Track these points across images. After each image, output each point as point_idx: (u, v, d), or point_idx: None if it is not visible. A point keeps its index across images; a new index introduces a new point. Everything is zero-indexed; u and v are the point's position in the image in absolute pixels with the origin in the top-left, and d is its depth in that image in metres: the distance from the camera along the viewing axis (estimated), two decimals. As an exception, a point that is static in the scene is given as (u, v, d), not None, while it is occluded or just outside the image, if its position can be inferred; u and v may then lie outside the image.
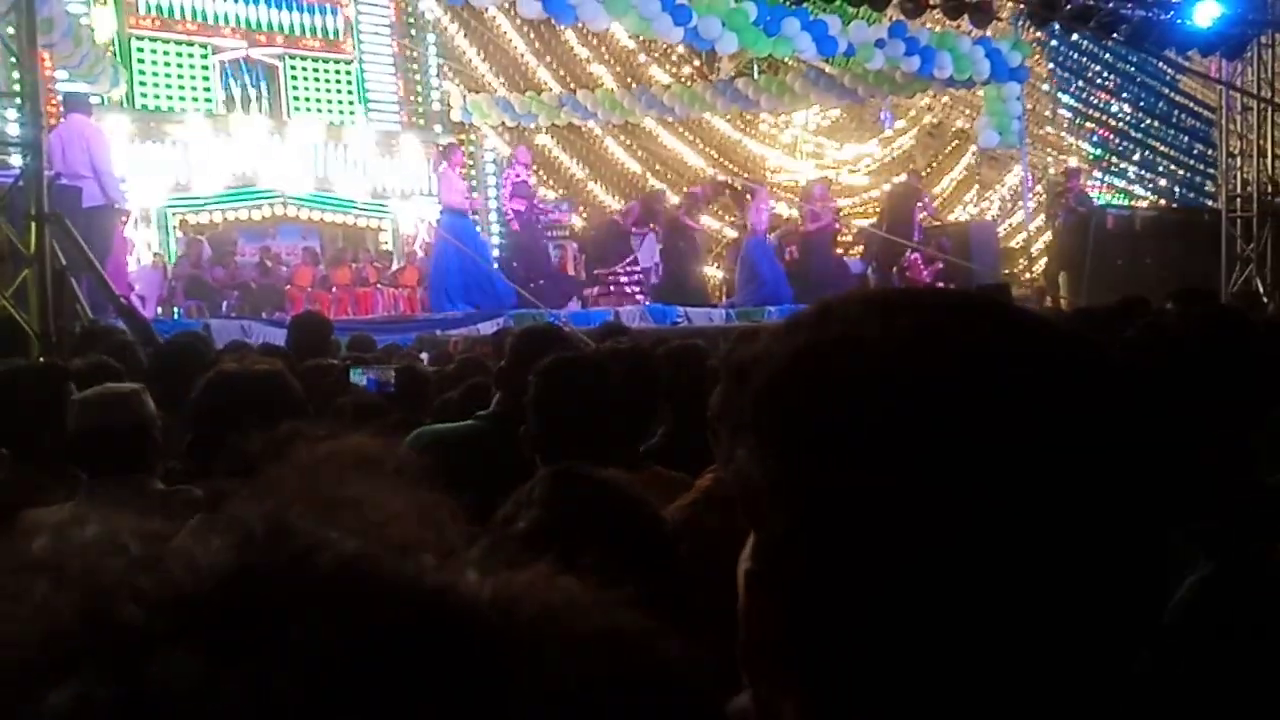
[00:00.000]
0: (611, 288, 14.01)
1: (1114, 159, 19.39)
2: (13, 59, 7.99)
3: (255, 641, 0.36)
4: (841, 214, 16.55)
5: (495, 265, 13.16)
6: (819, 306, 0.63)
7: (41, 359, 6.34)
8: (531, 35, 16.05)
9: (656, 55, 16.94)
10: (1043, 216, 16.46)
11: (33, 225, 7.50)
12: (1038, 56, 17.01)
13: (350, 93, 14.38)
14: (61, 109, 10.23)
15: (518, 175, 13.82)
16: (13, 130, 8.39)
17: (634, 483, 1.53)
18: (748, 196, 15.12)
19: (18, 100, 7.90)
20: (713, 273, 15.65)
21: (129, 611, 0.36)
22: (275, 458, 0.48)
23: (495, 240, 14.49)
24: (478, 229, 13.43)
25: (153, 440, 2.89)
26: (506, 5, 12.42)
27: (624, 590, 0.43)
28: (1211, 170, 18.12)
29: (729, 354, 0.65)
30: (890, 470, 0.55)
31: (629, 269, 14.02)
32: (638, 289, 13.99)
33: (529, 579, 0.42)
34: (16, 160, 7.93)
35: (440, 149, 13.81)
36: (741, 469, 0.61)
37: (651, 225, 14.49)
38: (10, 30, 7.86)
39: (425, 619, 0.38)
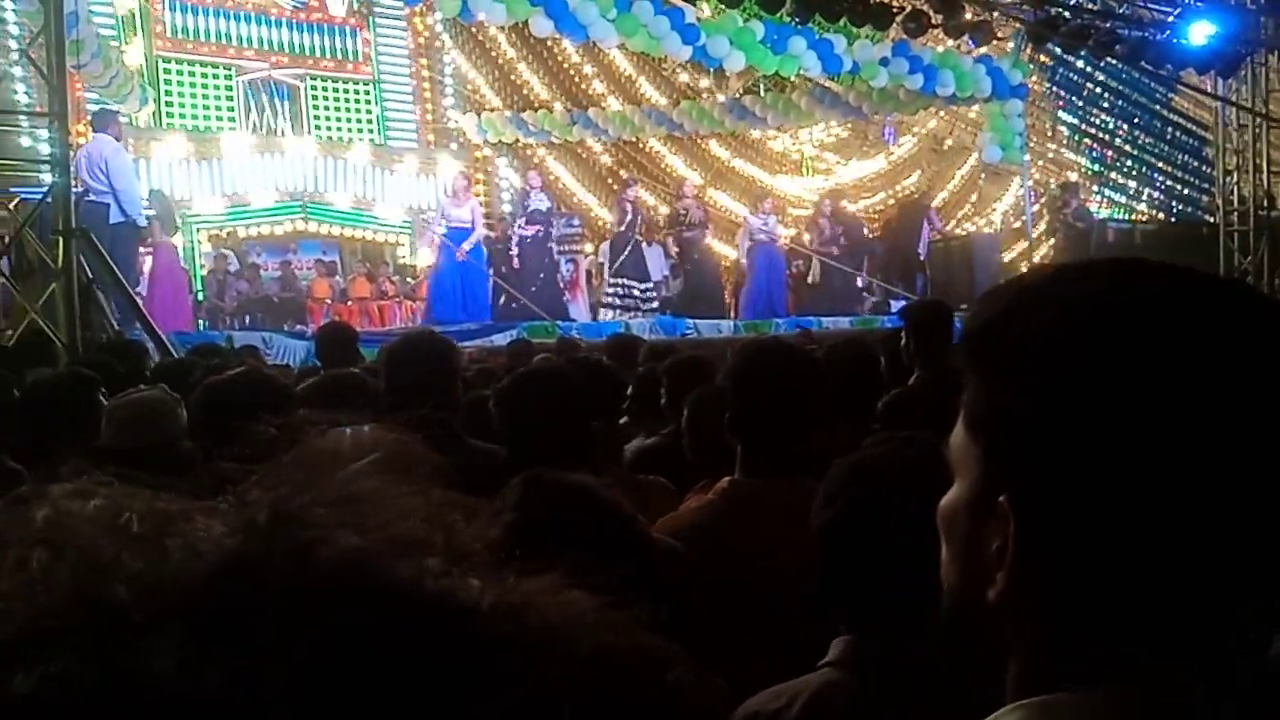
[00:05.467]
0: (619, 299, 14.15)
1: (1112, 174, 19.68)
2: (44, 80, 8.18)
3: (242, 633, 0.35)
4: (842, 230, 16.78)
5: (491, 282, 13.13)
6: (1058, 274, 0.72)
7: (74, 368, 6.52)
8: (530, 56, 16.33)
9: (654, 79, 17.26)
10: (1044, 229, 16.71)
11: (59, 240, 7.74)
12: (1035, 75, 17.27)
13: (369, 112, 14.80)
14: (91, 128, 10.50)
15: (529, 202, 13.78)
16: (44, 149, 8.55)
17: (606, 485, 1.60)
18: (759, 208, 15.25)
19: (48, 120, 8.07)
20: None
21: (117, 592, 0.35)
22: (290, 445, 0.47)
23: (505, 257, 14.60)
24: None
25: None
26: (512, 25, 12.69)
27: (635, 609, 0.42)
28: (1205, 185, 18.42)
29: (974, 316, 0.73)
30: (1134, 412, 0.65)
31: (639, 283, 14.16)
32: (653, 302, 14.16)
33: (534, 590, 0.41)
34: (48, 178, 8.11)
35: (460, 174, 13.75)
36: (994, 404, 0.70)
37: (655, 236, 14.59)
38: (41, 53, 8.06)
39: (419, 623, 0.37)
